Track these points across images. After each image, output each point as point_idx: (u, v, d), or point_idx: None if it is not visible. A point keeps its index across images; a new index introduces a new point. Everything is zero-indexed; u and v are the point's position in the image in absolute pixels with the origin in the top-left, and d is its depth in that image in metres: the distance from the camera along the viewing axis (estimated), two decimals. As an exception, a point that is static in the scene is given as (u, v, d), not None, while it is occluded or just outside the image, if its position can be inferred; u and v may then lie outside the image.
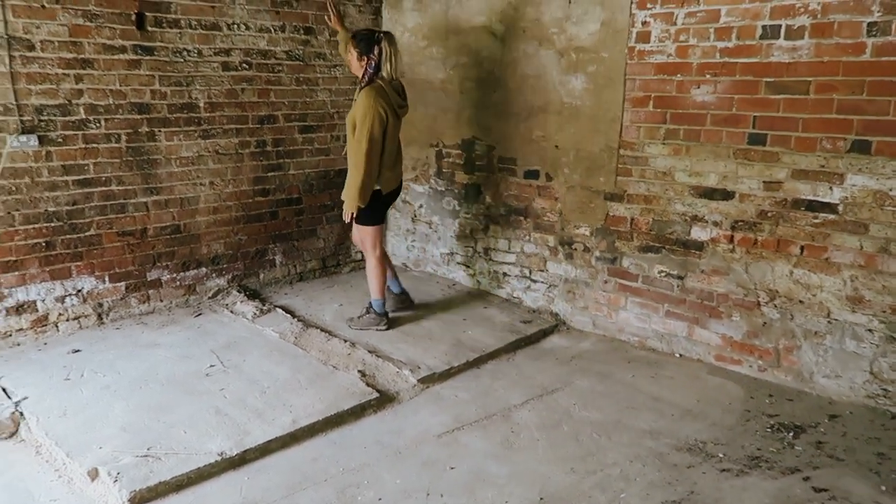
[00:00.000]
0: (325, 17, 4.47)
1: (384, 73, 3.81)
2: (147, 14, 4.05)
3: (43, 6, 3.69)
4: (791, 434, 3.08)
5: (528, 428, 3.16)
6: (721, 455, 2.92)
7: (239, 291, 4.71)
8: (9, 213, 3.76)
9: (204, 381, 3.48)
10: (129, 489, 2.58)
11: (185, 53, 4.26)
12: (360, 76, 3.84)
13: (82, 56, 3.87)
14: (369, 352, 3.82)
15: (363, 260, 5.52)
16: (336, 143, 5.16)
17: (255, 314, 4.36)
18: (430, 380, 3.59)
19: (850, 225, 3.24)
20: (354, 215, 3.94)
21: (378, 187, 3.94)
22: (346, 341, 3.94)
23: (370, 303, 4.19)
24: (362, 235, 4.15)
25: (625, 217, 4.03)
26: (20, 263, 3.85)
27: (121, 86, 4.04)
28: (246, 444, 2.91)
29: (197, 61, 4.32)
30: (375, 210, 4.03)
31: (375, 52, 3.77)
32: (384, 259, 4.28)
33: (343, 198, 3.94)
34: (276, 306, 4.52)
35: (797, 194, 3.37)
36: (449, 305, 4.64)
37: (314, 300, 4.72)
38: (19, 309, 3.89)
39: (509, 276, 4.77)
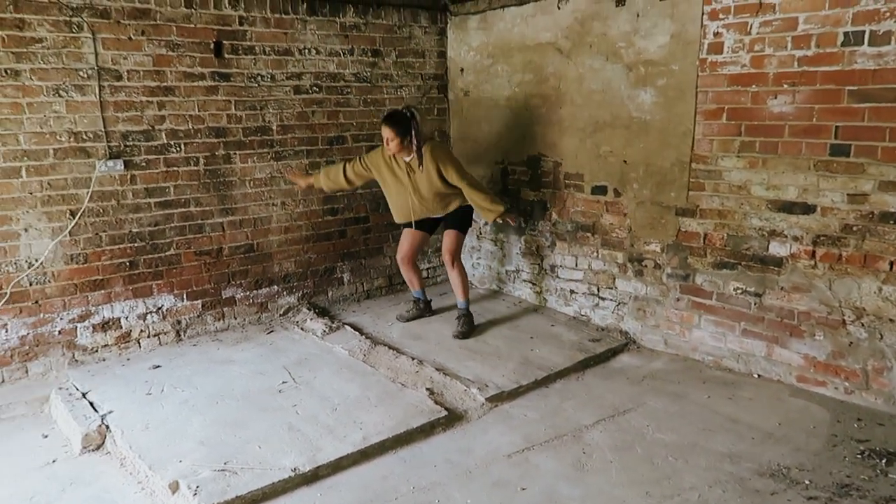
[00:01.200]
0: (288, 176, 4.61)
1: (423, 143, 4.17)
2: (224, 42, 4.23)
3: (130, 38, 3.90)
4: (884, 461, 2.90)
5: (600, 449, 3.09)
6: (807, 482, 2.78)
7: (309, 309, 4.81)
8: (97, 234, 3.97)
9: (277, 397, 3.56)
10: (208, 502, 2.65)
11: (259, 79, 4.41)
12: (413, 149, 4.15)
13: (165, 84, 4.07)
14: (437, 370, 3.82)
15: (429, 277, 5.57)
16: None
17: (324, 331, 4.43)
18: (498, 398, 3.56)
19: (945, 239, 3.05)
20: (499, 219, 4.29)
21: (468, 203, 4.39)
22: (413, 359, 3.96)
23: (465, 308, 4.49)
24: (459, 243, 4.46)
25: (697, 232, 3.92)
26: (106, 282, 4.05)
27: (199, 111, 4.22)
28: (318, 460, 2.95)
29: (270, 86, 4.47)
30: (470, 222, 4.57)
31: (415, 128, 4.10)
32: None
33: (487, 214, 4.27)
34: (344, 323, 4.59)
35: (885, 207, 3.20)
36: (515, 323, 4.61)
37: (381, 317, 4.77)
38: (105, 326, 4.08)
39: (576, 293, 4.70)
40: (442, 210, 4.39)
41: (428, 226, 4.51)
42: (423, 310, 4.75)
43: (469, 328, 4.41)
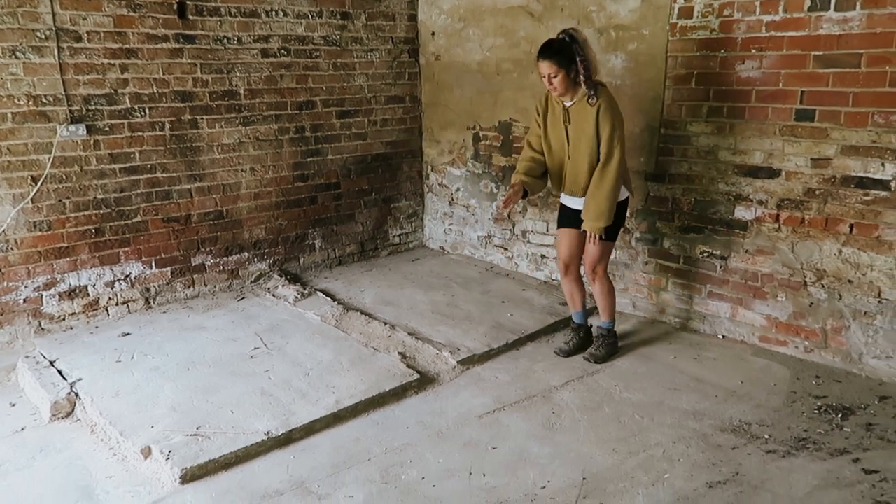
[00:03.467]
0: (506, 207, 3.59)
1: (594, 72, 3.29)
2: (188, 3, 4.12)
3: (88, -3, 3.78)
4: (839, 416, 3.02)
5: (569, 409, 3.16)
6: (767, 436, 2.88)
7: (280, 276, 4.79)
8: (60, 200, 3.89)
9: (249, 363, 3.56)
10: (181, 467, 2.66)
11: (225, 41, 4.31)
12: (578, 86, 3.28)
13: (127, 46, 3.95)
14: (409, 334, 3.85)
15: (401, 244, 5.58)
16: (373, 128, 5.18)
17: (296, 298, 4.43)
18: (470, 361, 3.60)
19: (902, 202, 3.14)
20: (601, 236, 3.38)
21: (628, 193, 3.49)
22: (385, 324, 3.98)
23: (607, 329, 3.69)
24: (602, 253, 3.49)
25: (666, 197, 3.97)
26: (72, 250, 3.98)
27: (164, 75, 4.12)
28: (291, 423, 2.97)
29: (237, 49, 4.37)
30: (620, 223, 3.54)
31: (580, 52, 3.22)
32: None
33: (586, 217, 3.37)
34: (316, 290, 4.58)
35: (847, 171, 3.28)
36: (487, 288, 4.65)
37: (354, 284, 4.78)
38: (71, 294, 4.02)
39: (547, 258, 4.75)
40: (585, 192, 3.40)
41: (580, 220, 3.47)
42: (585, 339, 3.74)
43: (607, 352, 3.62)
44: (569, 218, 3.57)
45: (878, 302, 3.28)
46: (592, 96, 3.26)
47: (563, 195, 3.59)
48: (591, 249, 3.46)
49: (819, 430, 2.92)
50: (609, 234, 3.44)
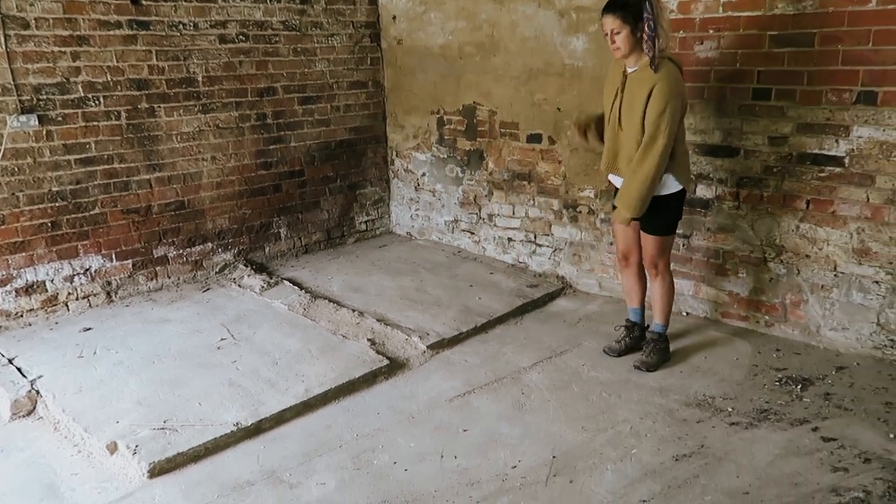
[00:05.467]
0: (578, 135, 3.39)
1: (664, 44, 2.94)
2: (140, -13, 4.00)
3: (35, -18, 3.65)
4: (799, 387, 3.11)
5: (538, 389, 3.19)
6: (730, 409, 2.95)
7: (245, 265, 4.73)
8: (13, 194, 3.77)
9: (216, 354, 3.52)
10: (148, 461, 2.63)
11: (180, 27, 4.21)
12: (642, 51, 2.96)
13: (78, 33, 3.83)
14: (378, 321, 3.84)
15: (368, 230, 5.55)
16: (336, 114, 5.12)
17: (262, 287, 4.38)
18: (439, 346, 3.61)
19: (856, 177, 3.22)
20: (632, 219, 3.13)
21: (681, 186, 3.14)
22: (354, 311, 3.96)
23: (659, 333, 3.40)
24: (660, 248, 3.23)
25: (629, 178, 4.01)
26: (27, 244, 3.87)
27: (118, 62, 4.01)
28: (261, 413, 2.95)
29: (193, 35, 4.27)
30: (679, 214, 3.26)
31: (648, 8, 2.86)
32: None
33: (617, 201, 3.15)
34: (283, 279, 4.54)
35: (803, 148, 3.35)
36: (455, 272, 4.66)
37: (321, 272, 4.74)
38: (28, 289, 3.92)
39: (514, 241, 4.77)
40: (624, 169, 3.13)
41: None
42: (638, 338, 3.49)
43: (659, 359, 3.35)
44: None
45: (835, 275, 3.37)
46: (654, 63, 2.91)
47: (610, 175, 3.31)
48: (648, 245, 3.23)
49: (780, 402, 3.00)
50: (666, 228, 3.20)
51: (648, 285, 3.41)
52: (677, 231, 3.81)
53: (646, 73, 2.96)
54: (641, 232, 3.26)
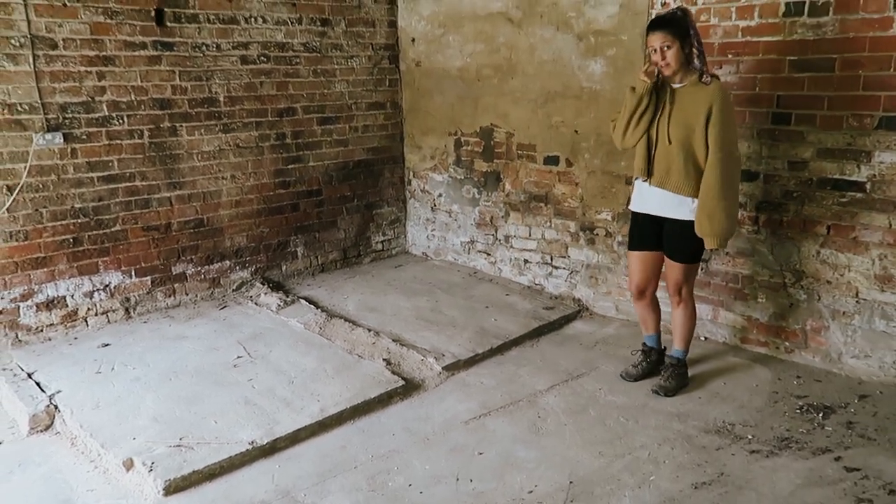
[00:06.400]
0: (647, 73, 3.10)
1: (705, 53, 3.02)
2: (166, 10, 4.08)
3: (64, 4, 3.73)
4: (820, 415, 3.06)
5: (554, 413, 3.16)
6: (750, 437, 2.91)
7: (262, 283, 4.75)
8: (36, 210, 3.82)
9: (232, 372, 3.53)
10: (164, 478, 2.63)
11: (204, 48, 4.28)
12: (685, 70, 3.00)
13: (104, 53, 3.91)
14: (393, 340, 3.84)
15: (384, 250, 5.56)
16: (355, 135, 5.17)
17: (279, 305, 4.39)
18: (454, 367, 3.60)
19: (878, 203, 3.19)
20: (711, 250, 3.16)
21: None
22: (369, 330, 3.96)
23: (678, 358, 3.36)
24: (687, 275, 3.21)
25: (647, 201, 4.00)
26: (49, 260, 3.91)
27: (142, 82, 4.08)
28: (276, 432, 2.94)
29: (216, 56, 4.34)
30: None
31: (692, 25, 2.96)
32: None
33: (703, 232, 3.02)
34: (299, 297, 4.56)
35: (823, 173, 3.33)
36: (470, 293, 4.65)
37: (337, 291, 4.75)
38: (49, 304, 3.96)
39: (531, 262, 4.77)
40: (675, 186, 3.05)
41: (656, 236, 3.21)
42: (656, 363, 3.46)
43: (678, 384, 3.30)
44: (643, 236, 3.24)
45: (856, 302, 3.33)
46: (706, 75, 2.95)
47: (644, 184, 3.19)
48: (673, 272, 3.18)
49: (801, 430, 2.95)
50: (693, 256, 3.15)
51: (671, 311, 3.36)
52: (696, 255, 3.80)
53: (698, 88, 2.98)
54: (667, 259, 3.22)
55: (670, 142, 3.04)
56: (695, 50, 2.96)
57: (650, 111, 3.09)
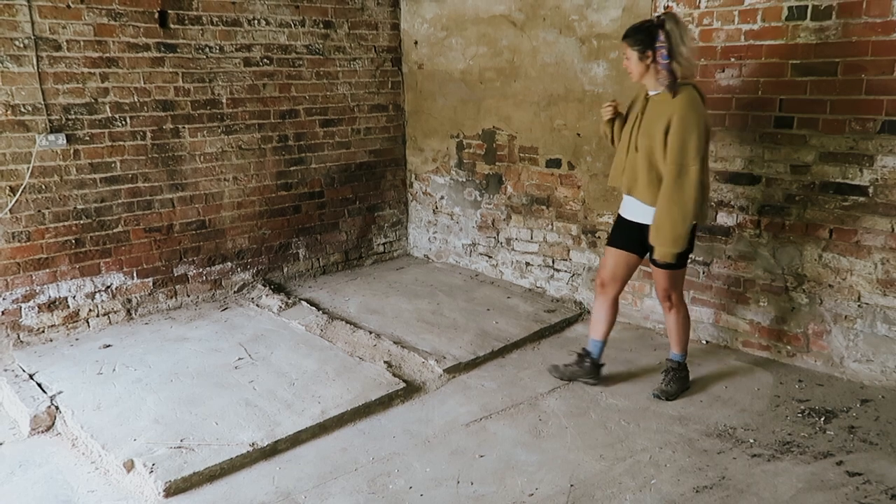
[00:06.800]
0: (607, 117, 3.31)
1: (682, 64, 2.92)
2: (170, 12, 4.10)
3: (68, 6, 3.74)
4: (822, 419, 3.05)
5: (555, 416, 3.16)
6: (752, 440, 2.90)
7: (264, 285, 4.75)
8: (39, 211, 3.83)
9: (233, 373, 3.53)
10: (164, 480, 2.62)
11: (207, 50, 4.29)
12: (654, 78, 3.00)
13: (107, 55, 3.92)
14: (394, 343, 3.84)
15: (386, 253, 5.57)
16: (357, 137, 5.18)
17: (280, 307, 4.40)
18: (456, 370, 3.60)
19: (880, 207, 3.18)
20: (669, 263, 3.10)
21: (694, 221, 3.04)
22: (371, 333, 3.96)
23: (677, 362, 3.35)
24: (673, 281, 3.20)
25: (649, 204, 4.00)
26: (51, 261, 3.92)
27: (145, 83, 4.09)
28: (277, 434, 2.94)
29: (219, 57, 4.35)
30: (690, 248, 3.14)
31: (662, 37, 2.90)
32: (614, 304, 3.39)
33: (653, 241, 3.05)
34: (300, 299, 4.56)
35: (826, 177, 3.33)
36: (472, 296, 4.65)
37: (338, 293, 4.75)
38: (51, 305, 3.96)
39: (532, 265, 4.76)
40: (641, 194, 3.08)
41: (636, 241, 3.19)
42: (589, 371, 3.41)
43: (678, 388, 3.29)
44: (621, 235, 3.26)
45: (858, 306, 3.32)
46: (670, 88, 2.93)
47: (626, 196, 3.24)
48: (658, 278, 3.19)
49: (803, 434, 2.95)
50: (678, 262, 3.10)
51: (665, 316, 3.35)
52: (697, 259, 3.79)
53: (665, 98, 2.98)
54: (652, 266, 3.19)
55: (637, 150, 3.07)
56: (660, 59, 2.92)
57: (628, 121, 3.17)
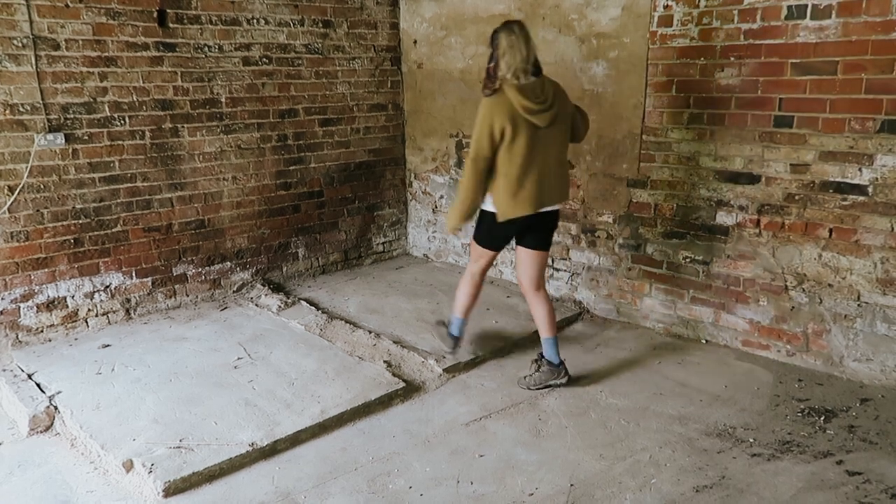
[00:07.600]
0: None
1: (505, 73, 3.06)
2: (168, 11, 4.09)
3: (67, 5, 3.73)
4: (822, 418, 3.05)
5: (555, 415, 3.16)
6: (751, 440, 2.90)
7: (263, 285, 4.75)
8: (38, 210, 3.82)
9: (232, 373, 3.52)
10: (164, 480, 2.62)
11: (206, 49, 4.28)
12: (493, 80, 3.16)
13: (106, 54, 3.91)
14: (394, 342, 3.83)
15: (385, 252, 5.57)
16: (356, 136, 5.17)
17: (279, 307, 4.39)
18: (455, 369, 3.59)
19: (880, 206, 3.18)
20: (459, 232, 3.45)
21: (493, 210, 3.24)
22: (370, 332, 3.96)
23: (549, 360, 3.42)
24: (471, 253, 3.54)
25: (648, 203, 4.00)
26: (50, 260, 3.91)
27: (144, 83, 4.08)
28: (276, 434, 2.94)
29: (218, 57, 4.34)
30: (491, 234, 3.36)
31: (493, 43, 3.12)
32: (476, 281, 3.57)
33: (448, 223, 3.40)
34: (300, 299, 4.55)
35: (825, 176, 3.33)
36: (472, 295, 4.64)
37: (337, 292, 4.75)
38: (50, 305, 3.96)
39: (532, 265, 4.75)
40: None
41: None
42: (453, 344, 3.67)
43: (539, 383, 3.40)
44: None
45: (858, 305, 3.32)
46: (483, 90, 3.15)
47: None
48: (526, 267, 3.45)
49: (803, 433, 2.95)
50: (475, 237, 3.44)
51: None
52: (696, 258, 3.79)
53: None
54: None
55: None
56: (490, 63, 3.13)
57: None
